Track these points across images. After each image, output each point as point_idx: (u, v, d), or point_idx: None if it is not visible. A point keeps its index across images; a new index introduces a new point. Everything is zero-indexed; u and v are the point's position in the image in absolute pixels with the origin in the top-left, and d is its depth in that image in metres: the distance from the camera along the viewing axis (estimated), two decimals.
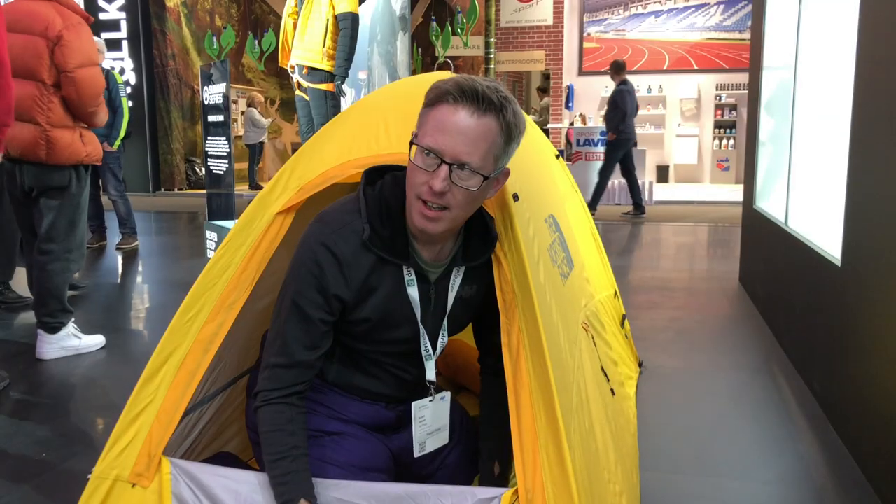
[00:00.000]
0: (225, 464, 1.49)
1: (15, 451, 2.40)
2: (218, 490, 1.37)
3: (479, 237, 1.45)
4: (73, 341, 3.37)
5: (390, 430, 1.61)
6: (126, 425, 1.41)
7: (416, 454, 1.55)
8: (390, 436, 1.60)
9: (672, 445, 2.42)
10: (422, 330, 1.47)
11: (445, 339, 1.51)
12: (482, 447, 1.62)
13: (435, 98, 1.29)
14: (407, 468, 1.61)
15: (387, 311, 1.44)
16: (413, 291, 1.43)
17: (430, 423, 1.55)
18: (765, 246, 4.13)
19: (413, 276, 1.43)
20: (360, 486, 1.36)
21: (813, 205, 3.19)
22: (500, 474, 1.55)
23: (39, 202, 3.26)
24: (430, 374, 1.52)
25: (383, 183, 1.43)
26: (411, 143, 1.31)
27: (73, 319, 3.42)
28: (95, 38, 6.34)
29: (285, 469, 1.34)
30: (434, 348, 1.51)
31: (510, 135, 1.31)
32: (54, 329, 3.31)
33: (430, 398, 1.53)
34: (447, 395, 1.57)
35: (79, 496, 1.42)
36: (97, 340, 3.49)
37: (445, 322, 1.50)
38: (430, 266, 1.45)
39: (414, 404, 1.52)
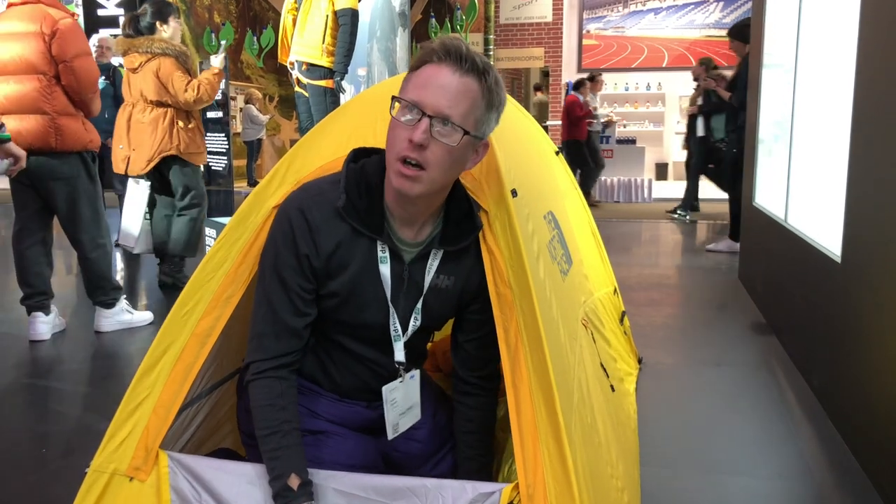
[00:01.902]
0: (222, 458, 1.48)
1: (14, 446, 2.40)
2: (215, 483, 1.36)
3: (460, 221, 1.44)
4: (126, 316, 3.74)
5: (379, 432, 1.58)
6: (123, 419, 1.41)
7: (390, 437, 1.54)
8: (382, 438, 1.58)
9: (671, 441, 2.42)
10: (391, 309, 1.45)
11: (418, 323, 1.49)
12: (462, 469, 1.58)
13: (420, 59, 1.31)
14: (400, 472, 1.59)
15: (356, 288, 1.42)
16: (385, 269, 1.42)
17: (402, 403, 1.54)
18: (764, 243, 4.13)
19: (387, 253, 1.41)
20: (359, 477, 1.35)
21: (813, 201, 3.19)
22: None
23: (56, 196, 3.44)
24: (399, 356, 1.50)
25: (367, 160, 1.43)
26: (393, 99, 1.31)
27: (124, 296, 3.74)
28: (103, 35, 6.40)
29: (276, 444, 1.34)
30: (405, 330, 1.48)
31: (491, 101, 1.32)
32: (110, 305, 3.66)
33: (399, 380, 1.52)
34: (416, 373, 1.55)
35: (77, 491, 1.41)
36: (147, 316, 3.82)
37: (419, 305, 1.47)
38: (405, 244, 1.43)
39: (385, 388, 1.50)
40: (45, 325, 3.55)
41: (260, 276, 1.43)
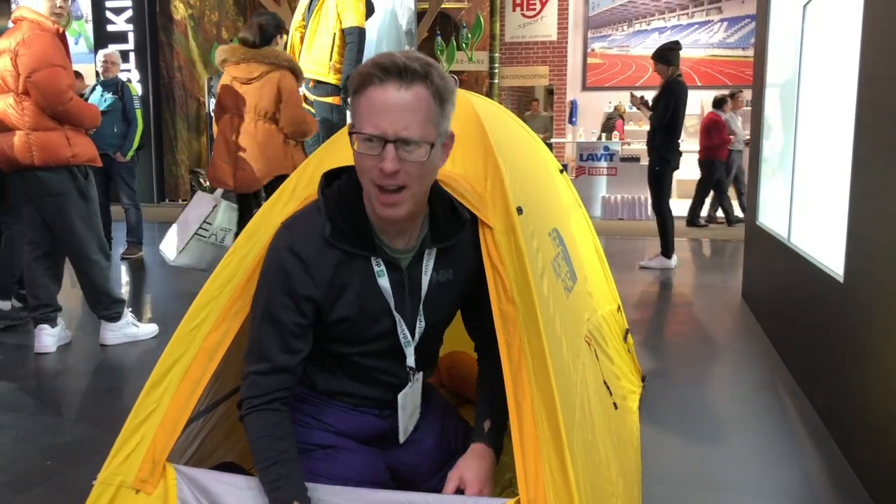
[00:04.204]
0: (228, 472, 1.49)
1: (19, 458, 2.40)
2: (221, 496, 1.37)
3: (445, 218, 1.46)
4: (131, 329, 3.76)
5: (388, 443, 1.59)
6: (131, 432, 1.42)
7: (402, 440, 1.57)
8: (389, 451, 1.59)
9: (674, 460, 2.42)
10: (397, 317, 1.47)
11: (423, 325, 1.51)
12: (476, 415, 1.58)
13: (360, 84, 1.29)
14: (408, 485, 1.59)
15: (362, 307, 1.44)
16: (384, 282, 1.44)
17: (410, 406, 1.56)
18: (767, 262, 4.14)
19: (382, 267, 1.43)
20: (362, 492, 1.36)
21: (815, 221, 3.20)
22: (491, 431, 1.51)
23: (47, 212, 3.45)
24: (410, 360, 1.52)
25: (340, 182, 1.44)
26: (350, 134, 1.31)
27: (130, 309, 3.77)
28: (109, 51, 6.44)
29: (276, 474, 1.35)
30: (413, 335, 1.51)
31: (442, 98, 1.31)
32: (115, 319, 3.69)
33: (410, 384, 1.54)
34: (420, 374, 1.57)
35: (82, 503, 1.42)
36: (152, 329, 3.85)
37: (421, 307, 1.50)
38: (398, 253, 1.45)
39: (400, 395, 1.53)
40: (50, 337, 3.57)
41: (252, 316, 1.45)
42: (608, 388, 1.98)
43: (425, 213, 1.46)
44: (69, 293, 4.98)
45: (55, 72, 3.34)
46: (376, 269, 1.43)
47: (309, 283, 1.39)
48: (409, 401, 1.56)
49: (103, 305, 3.64)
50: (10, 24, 3.45)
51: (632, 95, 6.45)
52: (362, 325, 1.46)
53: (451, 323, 1.67)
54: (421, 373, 1.58)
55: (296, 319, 1.40)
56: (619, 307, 2.84)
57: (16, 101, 3.33)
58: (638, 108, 6.41)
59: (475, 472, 1.42)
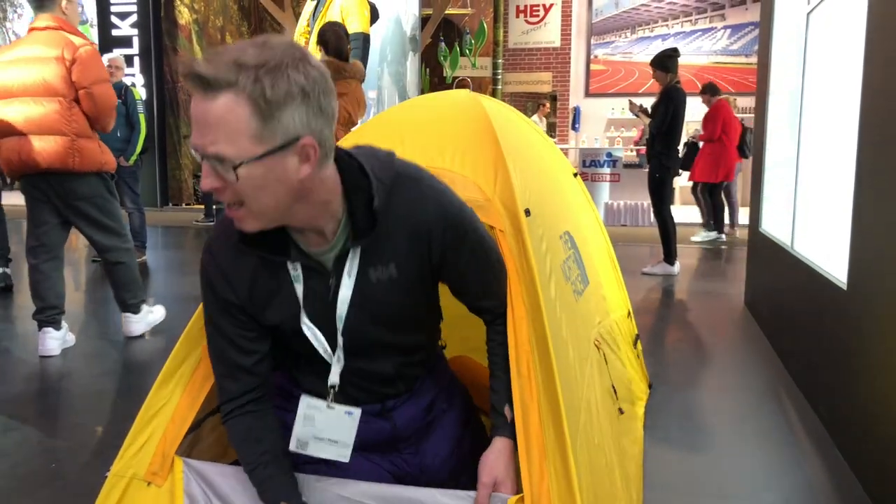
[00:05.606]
0: (235, 464, 1.51)
1: (24, 461, 2.41)
2: (227, 489, 1.39)
3: (364, 212, 1.25)
4: (150, 316, 3.94)
5: (402, 443, 1.53)
6: (142, 426, 1.44)
7: (292, 448, 1.37)
8: (395, 456, 1.52)
9: (676, 466, 2.42)
10: (305, 328, 1.33)
11: (343, 339, 1.35)
12: (492, 400, 1.44)
13: None
14: None
15: (288, 316, 1.33)
16: (298, 287, 1.30)
17: (322, 429, 1.38)
18: (770, 268, 4.14)
19: (299, 272, 1.30)
20: (365, 486, 1.36)
21: (819, 228, 3.20)
22: (512, 422, 1.37)
23: (80, 215, 3.57)
24: (333, 377, 1.37)
25: None
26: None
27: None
28: (114, 55, 6.47)
29: (261, 477, 1.34)
30: (333, 348, 1.35)
31: (267, 104, 1.06)
32: (137, 309, 3.85)
33: (325, 402, 1.37)
34: (356, 412, 1.38)
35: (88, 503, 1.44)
36: (161, 309, 4.07)
37: (341, 317, 1.33)
38: (319, 255, 1.29)
39: (303, 398, 1.38)
40: (55, 340, 3.58)
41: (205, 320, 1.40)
42: (615, 392, 1.98)
43: (343, 209, 1.26)
44: (70, 296, 5.00)
45: (109, 86, 3.59)
46: (292, 273, 1.30)
47: (229, 290, 1.31)
48: (319, 418, 1.37)
49: (132, 294, 3.78)
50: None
51: (630, 103, 6.48)
52: (297, 335, 1.35)
53: (456, 326, 1.66)
54: (358, 411, 1.38)
55: (232, 322, 1.33)
56: (629, 312, 2.84)
57: (63, 107, 3.42)
58: (637, 116, 6.44)
59: (507, 470, 1.33)
